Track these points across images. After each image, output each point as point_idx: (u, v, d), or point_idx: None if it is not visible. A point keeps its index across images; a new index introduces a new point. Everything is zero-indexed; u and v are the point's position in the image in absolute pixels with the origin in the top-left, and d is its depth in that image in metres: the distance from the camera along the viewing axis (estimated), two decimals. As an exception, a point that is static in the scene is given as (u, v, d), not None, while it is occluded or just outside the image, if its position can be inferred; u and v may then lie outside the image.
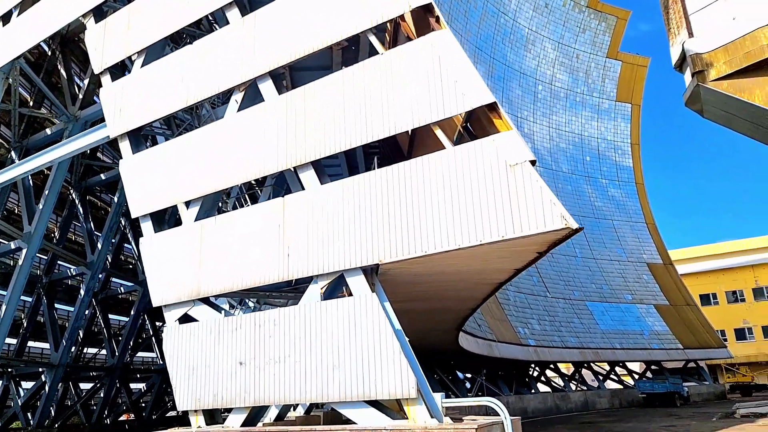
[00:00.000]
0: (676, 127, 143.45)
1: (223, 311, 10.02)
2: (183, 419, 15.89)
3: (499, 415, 7.40)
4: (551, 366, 40.07)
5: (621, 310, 44.43)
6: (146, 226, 11.35)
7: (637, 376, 44.34)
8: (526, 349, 33.58)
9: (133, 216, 11.62)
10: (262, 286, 10.85)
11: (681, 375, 44.57)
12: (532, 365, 39.21)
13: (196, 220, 10.63)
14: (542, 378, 40.59)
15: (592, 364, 41.96)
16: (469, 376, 34.77)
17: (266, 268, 9.42)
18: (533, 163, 7.76)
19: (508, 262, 8.75)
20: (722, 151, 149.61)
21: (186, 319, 10.35)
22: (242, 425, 9.08)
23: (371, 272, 8.90)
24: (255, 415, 9.46)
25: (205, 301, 10.19)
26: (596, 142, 51.06)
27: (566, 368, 43.81)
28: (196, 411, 9.71)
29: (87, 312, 28.39)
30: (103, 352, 30.17)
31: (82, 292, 24.88)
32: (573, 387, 40.18)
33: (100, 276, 27.09)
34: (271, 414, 12.68)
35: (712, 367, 56.11)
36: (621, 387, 42.84)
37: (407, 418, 7.76)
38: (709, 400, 42.62)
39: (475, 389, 31.31)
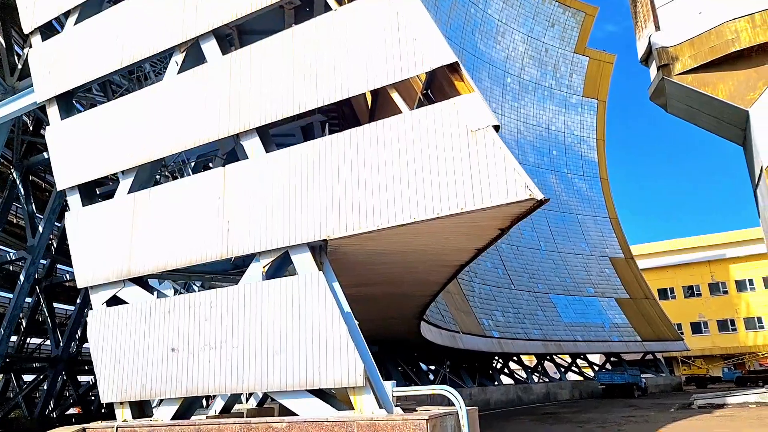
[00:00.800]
0: (640, 124, 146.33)
1: (155, 293, 9.07)
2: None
3: (454, 405, 6.70)
4: (514, 358, 39.99)
5: (583, 303, 44.72)
6: (73, 200, 10.27)
7: (597, 368, 44.72)
8: (490, 341, 33.29)
9: (59, 188, 10.53)
10: (201, 267, 9.92)
11: (639, 367, 45.18)
12: (496, 357, 39.04)
13: (129, 192, 9.63)
14: (505, 370, 40.50)
15: (554, 356, 42.12)
16: (433, 368, 34.28)
17: (204, 244, 8.52)
18: (497, 128, 7.08)
19: (468, 241, 8.07)
20: (685, 149, 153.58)
21: (115, 302, 9.36)
22: (173, 418, 8.17)
23: (319, 250, 8.10)
24: (188, 406, 8.56)
25: (137, 281, 9.22)
26: (563, 136, 51.22)
27: (529, 360, 43.88)
28: (122, 403, 8.76)
29: (29, 300, 26.77)
30: (48, 342, 28.56)
31: (22, 278, 23.31)
32: (535, 379, 40.23)
33: (43, 262, 25.51)
34: (217, 406, 11.78)
35: (668, 359, 57.21)
36: (582, 379, 43.15)
37: (354, 409, 7.01)
38: (665, 391, 43.30)
39: (438, 381, 30.83)
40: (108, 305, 9.35)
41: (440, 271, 9.97)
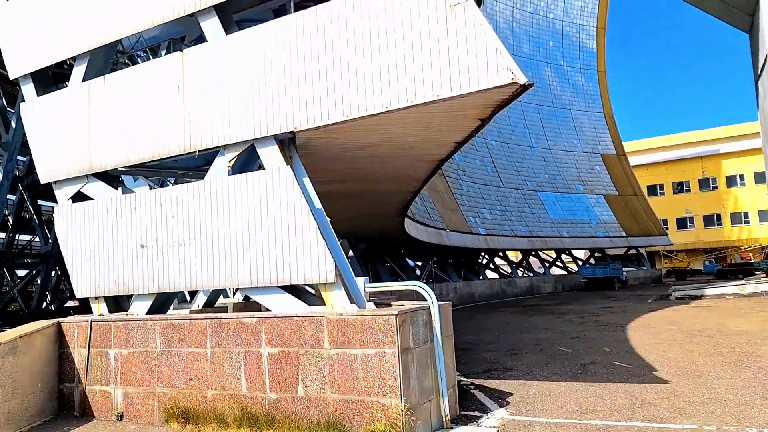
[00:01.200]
0: (643, 13, 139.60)
1: (120, 188, 8.65)
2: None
3: (426, 300, 6.56)
4: (500, 254, 40.81)
5: (572, 200, 45.00)
6: (27, 90, 9.54)
7: (581, 263, 45.94)
8: (476, 238, 33.70)
9: (11, 76, 9.75)
10: (171, 162, 9.46)
11: (621, 261, 46.41)
12: (482, 253, 39.80)
13: (83, 80, 8.91)
14: (491, 265, 41.46)
15: (539, 252, 43.04)
16: (420, 264, 34.95)
17: (165, 137, 7.98)
18: (478, 3, 6.35)
19: (446, 133, 7.58)
20: (685, 43, 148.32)
21: (82, 198, 8.97)
22: (147, 313, 8.07)
23: (288, 143, 7.61)
24: (164, 301, 8.45)
25: (101, 176, 8.76)
26: (561, 24, 48.84)
27: (515, 256, 44.87)
28: (97, 298, 8.65)
29: (13, 197, 26.43)
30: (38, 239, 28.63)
31: (0, 175, 22.76)
32: (520, 273, 41.31)
33: (22, 159, 24.84)
34: (199, 300, 11.79)
35: (651, 253, 58.81)
36: (566, 273, 44.40)
37: (326, 305, 6.88)
38: (645, 284, 44.79)
39: (424, 276, 31.56)
40: (74, 201, 8.97)
41: (418, 166, 9.56)
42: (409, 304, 7.04)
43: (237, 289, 10.10)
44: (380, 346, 5.94)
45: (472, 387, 8.69)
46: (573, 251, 46.15)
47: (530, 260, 44.61)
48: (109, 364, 7.70)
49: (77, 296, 8.82)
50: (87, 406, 7.83)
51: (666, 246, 51.44)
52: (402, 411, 5.76)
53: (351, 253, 23.73)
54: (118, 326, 7.75)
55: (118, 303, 8.85)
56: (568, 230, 42.55)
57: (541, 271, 42.95)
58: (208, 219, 7.61)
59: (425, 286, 6.67)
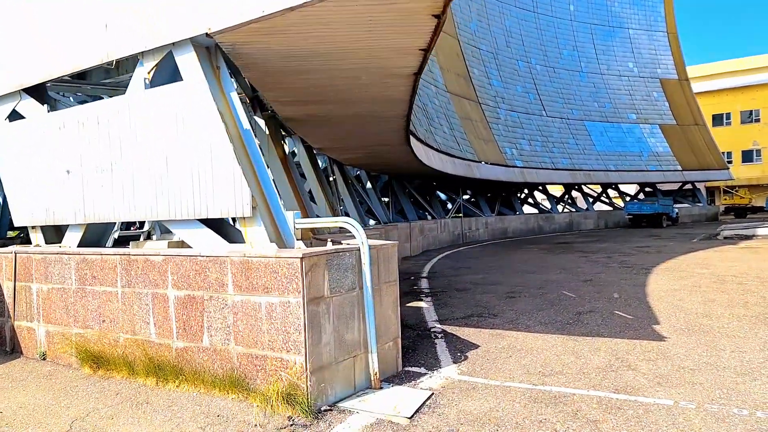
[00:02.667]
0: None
1: (46, 106, 7.81)
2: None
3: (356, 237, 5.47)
4: (539, 188, 38.82)
5: (622, 130, 41.97)
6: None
7: (629, 199, 43.33)
8: (511, 171, 31.91)
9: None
10: (84, 74, 8.49)
11: (674, 197, 43.53)
12: (523, 188, 37.94)
13: (9, -14, 7.95)
14: (530, 200, 39.61)
15: (583, 186, 40.71)
16: (454, 198, 33.54)
17: (84, 46, 6.98)
18: None
19: (400, 35, 6.22)
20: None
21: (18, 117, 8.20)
22: (79, 245, 7.36)
23: (215, 50, 6.46)
24: (100, 233, 7.71)
25: (33, 92, 7.92)
26: (619, -68, 43.99)
27: (558, 190, 42.66)
28: (34, 227, 8.02)
29: None
30: None
31: None
32: (560, 209, 39.36)
33: None
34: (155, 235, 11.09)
35: (711, 189, 55.09)
36: (611, 209, 42.03)
37: (245, 242, 5.92)
38: (699, 221, 42.01)
39: (453, 210, 30.32)
40: (10, 120, 8.22)
41: (391, 82, 8.24)
42: (330, 244, 5.96)
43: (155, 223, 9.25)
44: (284, 294, 4.95)
45: (439, 336, 7.69)
46: (620, 186, 43.46)
47: (573, 195, 42.40)
48: (32, 300, 7.11)
49: (15, 224, 8.22)
50: (16, 342, 7.33)
51: (727, 181, 47.79)
52: (306, 370, 4.82)
53: (369, 185, 22.68)
54: (38, 260, 7.09)
55: (58, 232, 8.18)
56: (616, 163, 39.91)
57: (584, 206, 40.74)
58: (127, 141, 6.66)
59: (354, 222, 5.56)
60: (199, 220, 6.21)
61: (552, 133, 37.78)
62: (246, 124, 6.37)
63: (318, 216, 14.63)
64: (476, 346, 7.00)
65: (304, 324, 4.84)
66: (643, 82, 44.84)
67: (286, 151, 10.80)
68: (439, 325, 8.36)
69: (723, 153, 47.12)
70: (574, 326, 7.89)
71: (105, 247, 7.62)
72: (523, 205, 39.84)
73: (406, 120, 11.38)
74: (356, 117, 10.72)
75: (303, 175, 18.03)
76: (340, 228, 13.25)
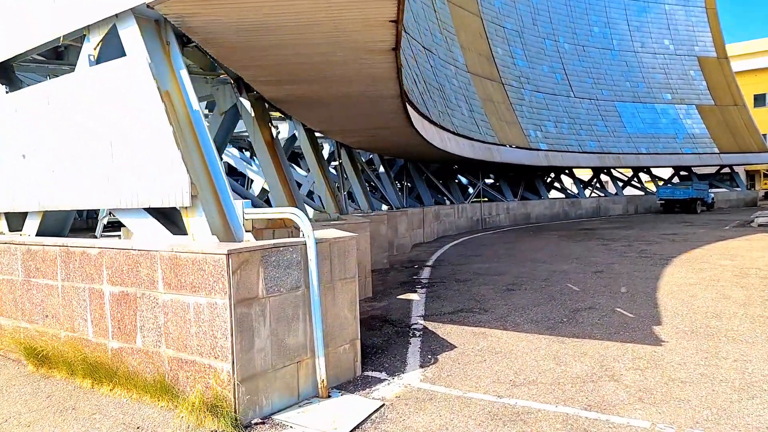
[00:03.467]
0: None
1: (5, 87, 7.45)
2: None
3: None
4: (566, 172, 37.50)
5: (655, 111, 40.17)
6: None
7: (663, 183, 41.56)
8: (535, 154, 30.78)
9: None
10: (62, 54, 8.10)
11: (710, 181, 41.62)
12: (550, 172, 36.72)
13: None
14: (556, 185, 38.36)
15: (613, 170, 39.18)
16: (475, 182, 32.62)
17: (34, 20, 6.56)
18: None
19: (362, 3, 5.59)
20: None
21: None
22: (38, 234, 7.01)
23: (164, 25, 5.95)
24: (61, 220, 7.34)
25: (2, 73, 7.58)
26: None
27: (586, 174, 41.20)
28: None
29: None
30: None
31: None
32: (587, 194, 38.00)
33: None
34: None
35: (750, 173, 52.59)
36: (642, 194, 40.39)
37: (187, 234, 5.44)
38: (737, 207, 40.08)
39: (471, 196, 29.46)
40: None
41: (370, 59, 7.59)
42: (278, 239, 5.41)
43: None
44: (211, 295, 4.44)
45: (418, 334, 7.12)
46: (653, 170, 41.69)
47: (603, 180, 40.92)
48: (-15, 292, 6.80)
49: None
50: (-25, 336, 7.06)
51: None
52: (233, 379, 4.32)
53: (381, 169, 22.05)
54: (-11, 250, 6.76)
55: (22, 221, 7.85)
56: (648, 146, 38.27)
57: (613, 191, 39.24)
58: (77, 123, 6.24)
59: (300, 213, 5.02)
60: (144, 209, 5.74)
61: (579, 115, 36.36)
62: (195, 105, 5.85)
63: (322, 205, 14.15)
64: (452, 348, 6.41)
65: (231, 328, 4.33)
66: (680, 60, 42.78)
67: (275, 134, 10.27)
68: (422, 322, 7.78)
69: (764, 135, 44.69)
70: (566, 325, 7.20)
71: (66, 236, 7.26)
72: (550, 190, 38.67)
73: (401, 100, 10.71)
74: (346, 98, 10.11)
75: (297, 161, 17.54)
76: (339, 216, 12.73)
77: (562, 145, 33.58)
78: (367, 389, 5.16)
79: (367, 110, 11.53)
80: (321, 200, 14.39)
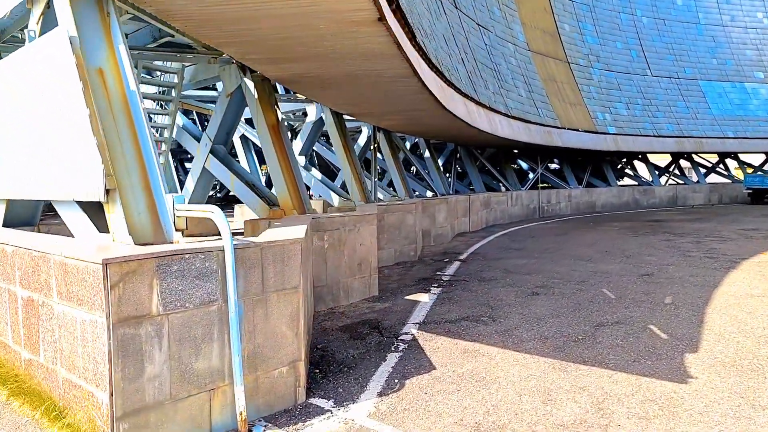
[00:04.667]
0: None
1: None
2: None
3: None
4: (639, 157, 34.68)
5: (745, 91, 36.28)
6: None
7: (751, 170, 37.64)
8: (602, 138, 28.52)
9: None
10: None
11: (810, 168, 37.29)
12: (613, 157, 34.10)
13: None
14: (628, 171, 35.62)
15: (695, 156, 35.84)
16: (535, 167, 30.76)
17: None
18: None
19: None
20: None
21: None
22: (5, 224, 6.62)
23: (106, -5, 5.29)
24: (31, 208, 6.92)
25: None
26: None
27: (665, 160, 37.97)
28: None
29: None
30: None
31: None
32: (662, 181, 35.03)
33: None
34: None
35: None
36: (729, 182, 36.76)
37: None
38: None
39: (530, 182, 27.69)
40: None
41: (360, 32, 6.46)
42: (195, 243, 4.59)
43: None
44: (92, 311, 3.72)
45: (402, 347, 6.18)
46: (741, 156, 37.81)
47: (683, 166, 37.62)
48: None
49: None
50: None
51: None
52: (112, 414, 3.59)
53: (427, 153, 20.93)
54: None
55: None
56: (735, 129, 34.66)
57: (695, 179, 35.95)
58: (19, 108, 5.72)
59: (217, 211, 4.19)
60: (77, 202, 5.12)
61: (657, 95, 33.38)
62: (133, 84, 5.14)
63: (349, 194, 13.36)
64: (429, 369, 5.42)
65: (110, 352, 3.59)
66: (776, 34, 38.36)
67: (280, 117, 9.51)
68: (415, 331, 6.82)
69: None
70: (579, 345, 6.02)
71: (35, 225, 6.85)
72: (623, 177, 36.05)
73: (418, 80, 9.64)
74: (353, 77, 9.19)
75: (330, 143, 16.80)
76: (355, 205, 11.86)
77: (634, 128, 30.98)
78: (300, 424, 4.30)
79: (383, 91, 10.56)
80: (348, 190, 13.60)
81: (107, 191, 4.52)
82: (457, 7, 20.31)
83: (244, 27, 6.38)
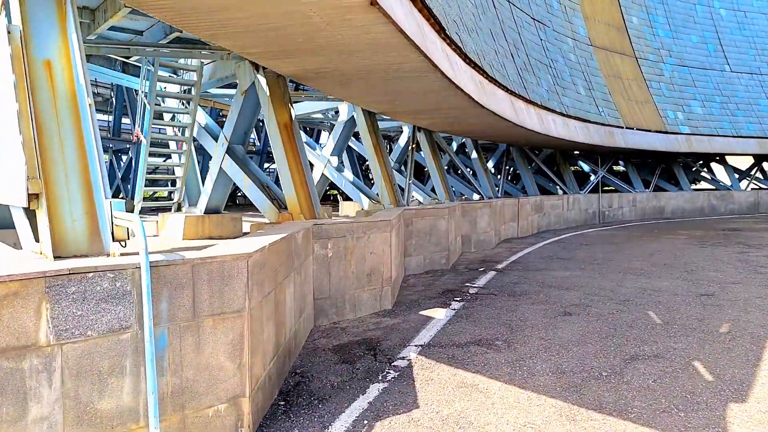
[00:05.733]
0: None
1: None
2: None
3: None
4: (717, 159, 31.94)
5: (842, 85, 32.64)
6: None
7: None
8: (672, 138, 26.36)
9: None
10: None
11: None
12: (687, 159, 31.55)
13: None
14: (704, 174, 32.92)
15: (780, 157, 32.63)
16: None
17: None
18: None
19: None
20: None
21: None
22: (-13, 227, 6.39)
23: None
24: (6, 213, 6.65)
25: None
26: None
27: (747, 162, 34.86)
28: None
29: None
30: None
31: None
32: (743, 185, 32.11)
33: None
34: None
35: None
36: (823, 186, 33.26)
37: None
38: None
39: (590, 185, 25.93)
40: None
41: (355, 20, 5.61)
42: (135, 256, 3.97)
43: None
44: (-31, 337, 3.18)
45: (389, 377, 5.38)
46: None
47: (766, 169, 34.41)
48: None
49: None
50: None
51: None
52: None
53: (474, 155, 19.87)
54: None
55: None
56: (828, 128, 31.24)
57: (780, 182, 32.79)
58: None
59: (137, 223, 3.56)
60: (23, 207, 4.67)
61: (736, 92, 30.63)
62: (83, 77, 4.63)
63: (379, 199, 12.64)
64: (411, 408, 4.60)
65: (-18, 389, 3.03)
66: None
67: (293, 115, 8.92)
68: (414, 355, 6.00)
69: None
70: (600, 385, 5.00)
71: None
72: (698, 181, 33.44)
73: (442, 75, 8.76)
74: (370, 72, 8.47)
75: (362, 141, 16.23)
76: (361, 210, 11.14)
77: (710, 127, 28.50)
78: (230, 476, 3.61)
79: (407, 87, 9.76)
80: (377, 192, 12.90)
81: (31, 195, 4.00)
82: (509, 1, 19.17)
83: (226, 16, 5.80)
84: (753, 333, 6.56)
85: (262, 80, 8.76)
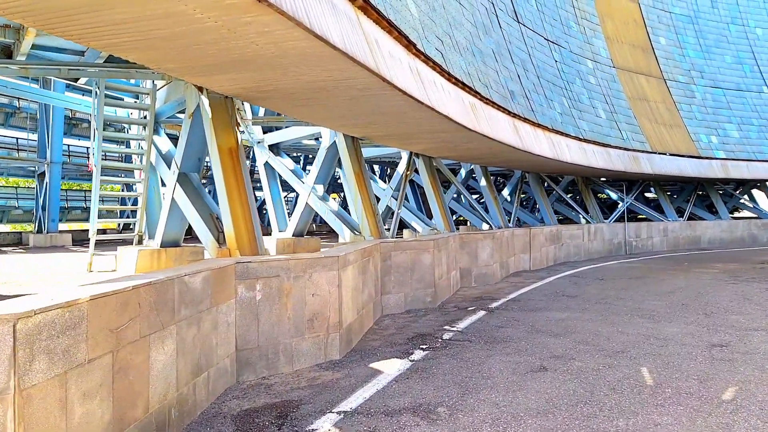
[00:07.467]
0: None
1: None
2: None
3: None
4: (758, 185, 29.77)
5: None
6: None
7: None
8: (706, 164, 24.59)
9: None
10: None
11: None
12: (725, 186, 29.50)
13: None
14: (744, 201, 30.73)
15: (830, 182, 30.16)
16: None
17: None
18: None
19: None
20: None
21: None
22: None
23: None
24: None
25: None
26: None
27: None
28: None
29: None
30: None
31: None
32: (787, 213, 29.76)
33: None
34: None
35: None
36: None
37: None
38: None
39: (615, 214, 24.25)
40: None
41: (256, 21, 4.93)
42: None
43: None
44: None
45: (277, 459, 4.26)
46: None
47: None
48: None
49: None
50: None
51: None
52: None
53: (483, 182, 18.69)
54: None
55: None
56: None
57: (831, 210, 30.24)
58: None
59: None
60: None
61: (776, 113, 28.63)
62: None
63: (359, 227, 11.63)
64: None
65: None
66: None
67: (239, 140, 8.07)
68: (330, 426, 4.88)
69: None
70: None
71: None
72: (739, 209, 31.18)
73: (404, 94, 7.77)
74: (318, 90, 7.55)
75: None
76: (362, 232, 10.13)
77: (748, 152, 26.58)
78: None
79: (377, 107, 8.81)
80: (358, 222, 11.90)
81: None
82: (518, 21, 18.19)
83: (102, 18, 4.96)
84: (763, 402, 5.17)
85: (205, 101, 7.96)
